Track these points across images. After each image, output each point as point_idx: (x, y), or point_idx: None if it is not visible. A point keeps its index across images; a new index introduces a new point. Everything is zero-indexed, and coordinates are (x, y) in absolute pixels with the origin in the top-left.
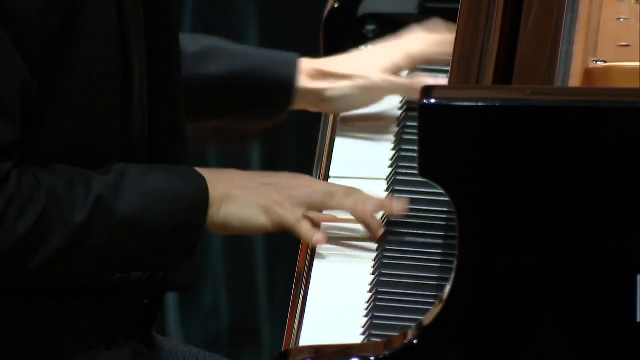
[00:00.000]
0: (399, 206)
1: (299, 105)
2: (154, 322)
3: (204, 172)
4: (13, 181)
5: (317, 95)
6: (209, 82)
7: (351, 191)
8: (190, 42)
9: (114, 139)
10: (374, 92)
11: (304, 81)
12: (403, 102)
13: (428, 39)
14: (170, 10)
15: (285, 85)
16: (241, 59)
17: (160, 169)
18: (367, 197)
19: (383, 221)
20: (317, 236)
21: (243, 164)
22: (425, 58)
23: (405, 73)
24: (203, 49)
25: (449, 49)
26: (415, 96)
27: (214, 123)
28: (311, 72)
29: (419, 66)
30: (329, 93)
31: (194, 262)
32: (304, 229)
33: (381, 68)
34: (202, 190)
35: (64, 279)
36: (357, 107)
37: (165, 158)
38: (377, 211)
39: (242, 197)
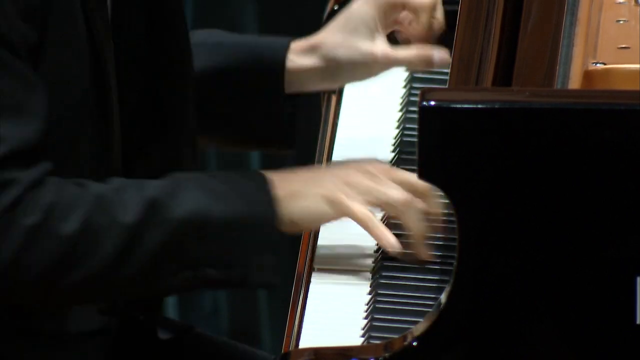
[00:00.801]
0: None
1: (298, 87)
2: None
3: (265, 173)
4: (52, 186)
5: (304, 69)
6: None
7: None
8: None
9: (88, 154)
10: (371, 62)
11: (294, 60)
12: (403, 103)
13: None
14: (176, 12)
15: (274, 77)
16: (225, 52)
17: (216, 173)
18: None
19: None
20: (393, 241)
21: (243, 165)
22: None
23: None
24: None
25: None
26: (418, 69)
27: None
28: (298, 48)
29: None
30: (325, 60)
31: (276, 260)
32: (378, 229)
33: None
34: (264, 185)
35: (130, 286)
36: (353, 77)
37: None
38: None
39: (305, 191)
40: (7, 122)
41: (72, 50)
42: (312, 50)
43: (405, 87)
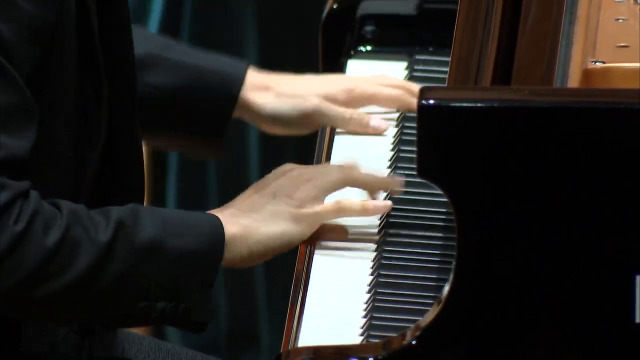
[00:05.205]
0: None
1: (234, 114)
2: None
3: (215, 213)
4: (35, 198)
5: (252, 107)
6: (147, 92)
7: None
8: (139, 42)
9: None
10: (311, 116)
11: (244, 91)
12: None
13: (374, 80)
14: (125, 25)
15: (225, 109)
16: (184, 73)
17: (169, 210)
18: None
19: (381, 224)
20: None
21: (242, 165)
22: (366, 98)
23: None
24: (147, 56)
25: (395, 95)
26: (352, 130)
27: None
28: (253, 84)
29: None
30: (265, 107)
31: (211, 300)
32: (359, 205)
33: (321, 95)
34: (216, 224)
35: (90, 308)
36: (291, 128)
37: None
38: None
39: (262, 219)
40: (6, 134)
41: (66, 74)
42: (266, 89)
43: None
